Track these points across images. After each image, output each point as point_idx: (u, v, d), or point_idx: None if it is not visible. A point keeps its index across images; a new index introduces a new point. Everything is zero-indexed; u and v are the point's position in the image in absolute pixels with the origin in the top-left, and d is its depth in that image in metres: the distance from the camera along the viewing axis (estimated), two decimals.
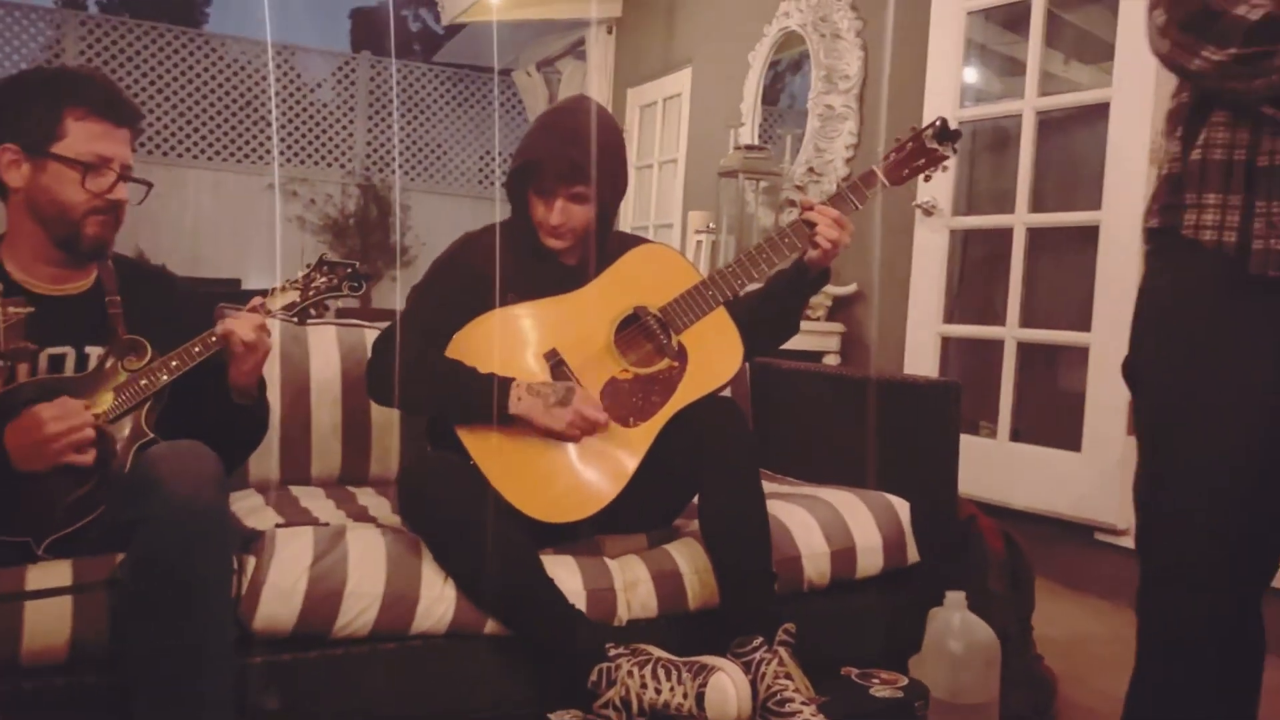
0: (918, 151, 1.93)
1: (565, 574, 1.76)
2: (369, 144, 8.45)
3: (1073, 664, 2.34)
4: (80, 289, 1.71)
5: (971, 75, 3.66)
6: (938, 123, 1.93)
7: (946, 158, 1.93)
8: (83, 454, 1.52)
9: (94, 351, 1.66)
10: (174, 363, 1.63)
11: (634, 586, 1.82)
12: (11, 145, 1.62)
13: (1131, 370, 1.45)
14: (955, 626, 1.88)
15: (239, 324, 1.63)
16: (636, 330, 1.94)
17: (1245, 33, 1.22)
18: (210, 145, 7.85)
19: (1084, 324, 3.03)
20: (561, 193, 1.90)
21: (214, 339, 1.64)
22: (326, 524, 1.76)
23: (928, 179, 1.97)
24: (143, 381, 1.63)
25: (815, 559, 1.96)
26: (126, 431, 1.62)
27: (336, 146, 8.33)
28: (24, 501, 1.53)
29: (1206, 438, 1.32)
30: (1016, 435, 3.25)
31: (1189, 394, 1.34)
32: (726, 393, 2.04)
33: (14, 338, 1.10)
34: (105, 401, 1.61)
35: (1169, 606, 1.38)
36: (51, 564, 1.50)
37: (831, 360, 3.83)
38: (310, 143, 8.25)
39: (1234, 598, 1.34)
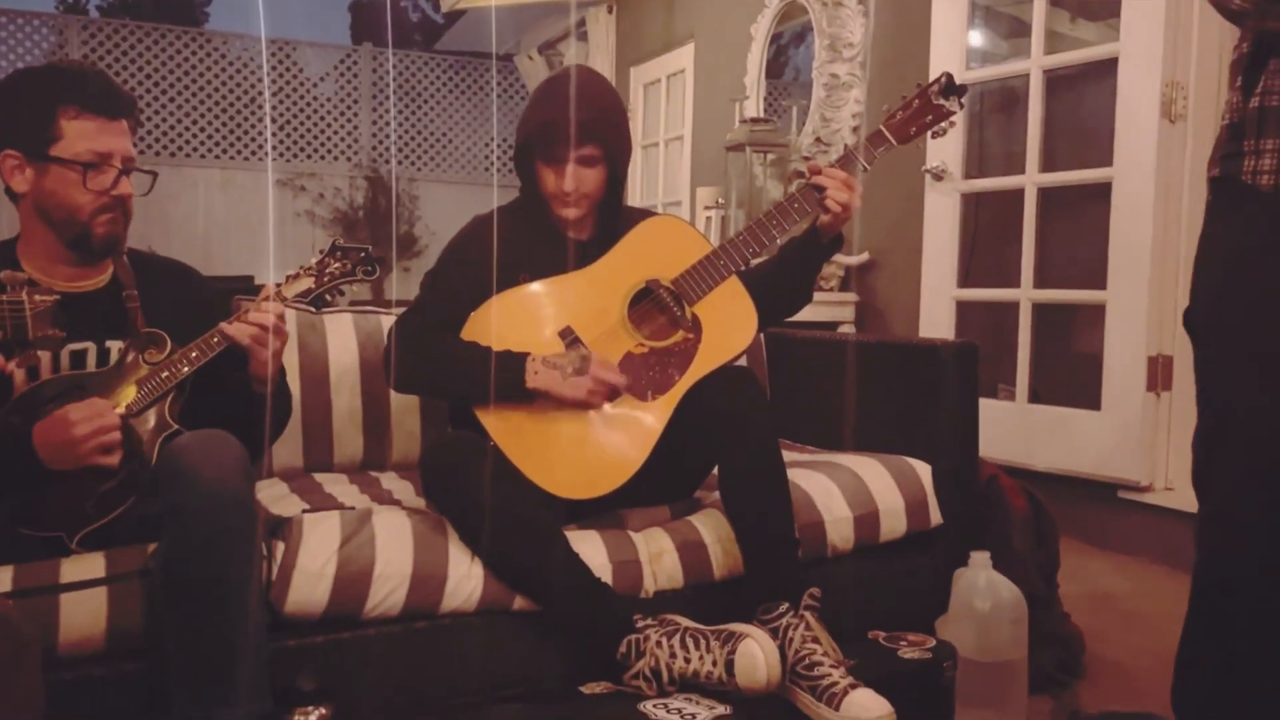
0: (925, 108, 1.92)
1: (590, 549, 1.77)
2: (374, 136, 8.46)
3: (1099, 621, 2.35)
4: (97, 285, 1.72)
5: (976, 38, 3.63)
6: (943, 78, 1.92)
7: (953, 113, 1.92)
8: (109, 455, 1.54)
9: (114, 346, 1.67)
10: (194, 354, 1.65)
11: (659, 558, 1.83)
12: (12, 151, 1.62)
13: (1191, 318, 1.45)
14: (981, 586, 1.88)
15: (236, 330, 1.63)
16: (650, 304, 1.94)
17: None
18: (217, 144, 7.87)
19: (1098, 282, 3.02)
20: (570, 157, 1.89)
21: (216, 340, 1.64)
22: (352, 508, 1.77)
23: (936, 136, 1.96)
24: (164, 374, 1.64)
25: (838, 524, 1.96)
26: (151, 424, 1.63)
27: (342, 139, 8.34)
28: (55, 498, 1.55)
29: (1267, 380, 1.33)
30: (1035, 397, 3.24)
31: (1249, 338, 1.35)
32: (742, 362, 2.04)
33: (42, 326, 1.11)
34: (129, 395, 1.63)
35: (1225, 544, 1.39)
36: (85, 557, 1.52)
37: (847, 330, 3.82)
38: (315, 137, 8.26)
39: None
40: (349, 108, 8.39)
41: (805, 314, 2.16)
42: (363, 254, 1.79)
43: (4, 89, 1.67)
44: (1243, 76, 1.37)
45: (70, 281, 1.68)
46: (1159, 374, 2.87)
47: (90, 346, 1.67)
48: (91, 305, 1.68)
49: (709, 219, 4.38)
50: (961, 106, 1.94)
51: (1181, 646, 1.46)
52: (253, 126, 8.00)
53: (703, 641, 1.63)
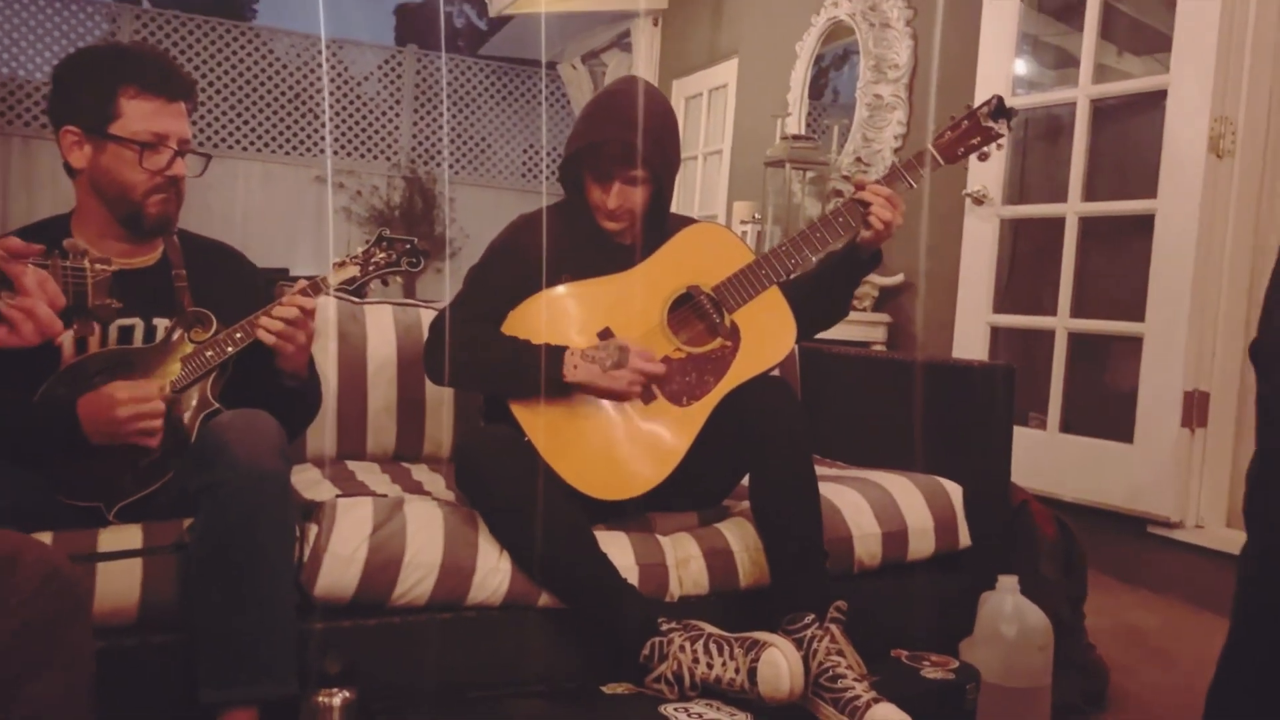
0: (974, 129, 1.92)
1: (617, 550, 1.77)
2: (414, 136, 8.52)
3: (1125, 655, 2.32)
4: (147, 263, 1.75)
5: (1022, 67, 3.62)
6: (994, 100, 1.92)
7: (1001, 135, 1.92)
8: (150, 438, 1.56)
9: (161, 323, 1.70)
10: (238, 334, 1.67)
11: (686, 563, 1.83)
12: (73, 127, 1.65)
13: (1258, 349, 1.43)
14: (1007, 610, 1.88)
15: (265, 323, 1.64)
16: (689, 309, 1.95)
17: None
18: (260, 137, 7.96)
19: (1135, 314, 2.99)
20: (618, 176, 1.91)
21: (239, 335, 1.65)
22: (384, 496, 1.78)
23: (982, 159, 1.96)
24: (208, 353, 1.66)
25: (866, 540, 1.96)
26: (194, 401, 1.66)
27: (383, 139, 8.41)
28: (95, 469, 1.57)
29: None
30: (1067, 426, 3.22)
31: None
32: (775, 374, 2.04)
33: (101, 294, 1.14)
34: (173, 372, 1.65)
35: (1272, 580, 1.37)
36: (122, 528, 1.55)
37: (878, 351, 3.81)
38: (357, 135, 8.34)
39: None
40: (391, 108, 8.46)
41: (837, 332, 2.16)
42: (408, 245, 1.82)
43: (68, 66, 1.70)
44: None
45: (121, 258, 1.70)
46: (1194, 410, 2.84)
47: (138, 322, 1.69)
48: (141, 282, 1.71)
49: (744, 233, 4.38)
50: (1010, 130, 1.94)
51: (1214, 685, 1.44)
52: (295, 122, 8.08)
53: (726, 648, 1.63)
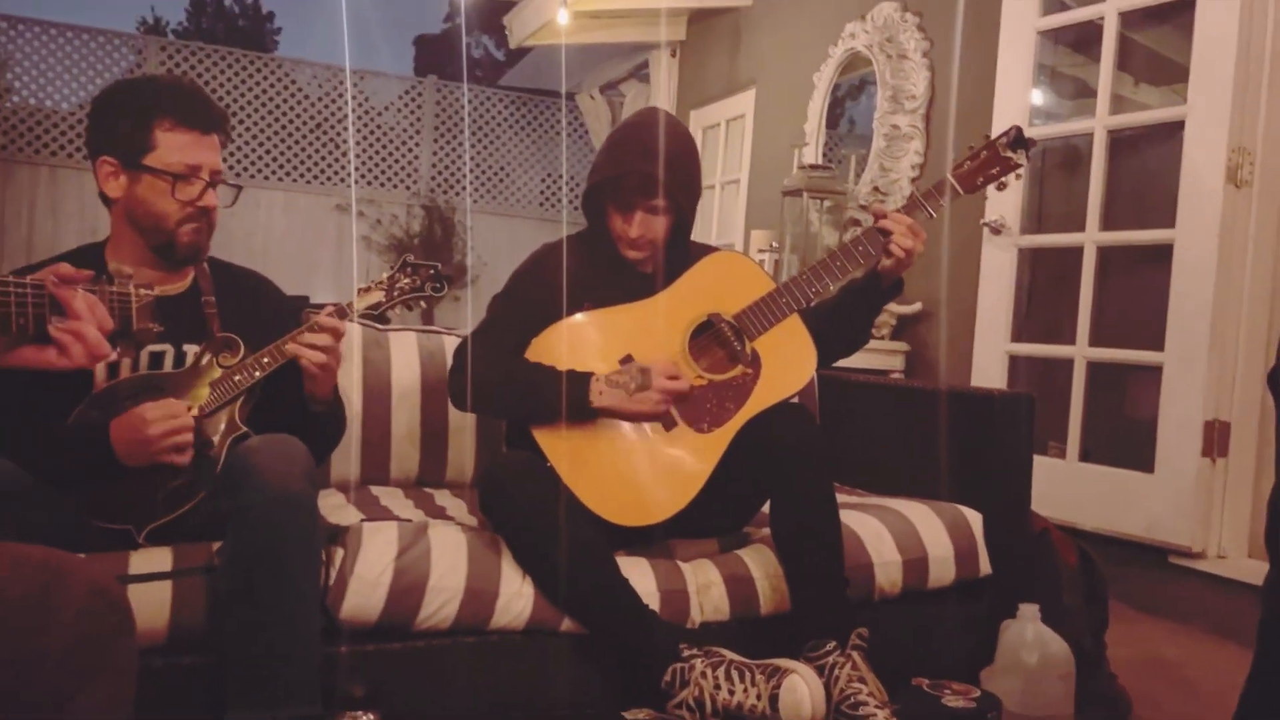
0: (992, 159, 1.94)
1: (639, 576, 1.78)
2: (434, 165, 8.62)
3: (1148, 686, 2.30)
4: (178, 290, 1.78)
5: (1039, 98, 3.65)
6: (1012, 131, 1.94)
7: (1020, 165, 1.94)
8: (182, 454, 1.59)
9: (191, 349, 1.73)
10: (265, 359, 1.70)
11: (707, 589, 1.83)
12: (109, 158, 1.69)
13: (1276, 377, 1.44)
14: (1029, 639, 1.87)
15: (292, 347, 1.68)
16: (710, 337, 1.96)
17: None
18: (281, 166, 8.07)
19: (1153, 343, 2.99)
20: (640, 206, 1.93)
21: (266, 360, 1.69)
22: (409, 520, 1.80)
23: (1000, 188, 1.98)
24: (237, 377, 1.69)
25: (887, 567, 1.96)
26: (223, 425, 1.68)
27: (403, 168, 8.51)
28: (126, 491, 1.60)
29: None
30: (1086, 456, 3.21)
31: None
32: (795, 401, 2.05)
33: (144, 318, 1.17)
34: (202, 396, 1.68)
35: None
36: (153, 550, 1.57)
37: (896, 379, 3.81)
38: (377, 164, 8.44)
39: None
40: (411, 137, 8.56)
41: (855, 361, 2.17)
42: (432, 270, 1.85)
43: (106, 98, 1.74)
44: None
45: (154, 285, 1.74)
46: (1215, 439, 2.84)
47: (168, 348, 1.72)
48: (172, 309, 1.73)
49: (762, 262, 4.41)
50: (1028, 160, 1.96)
51: (1238, 716, 1.43)
52: (316, 151, 8.18)
53: (748, 674, 1.63)
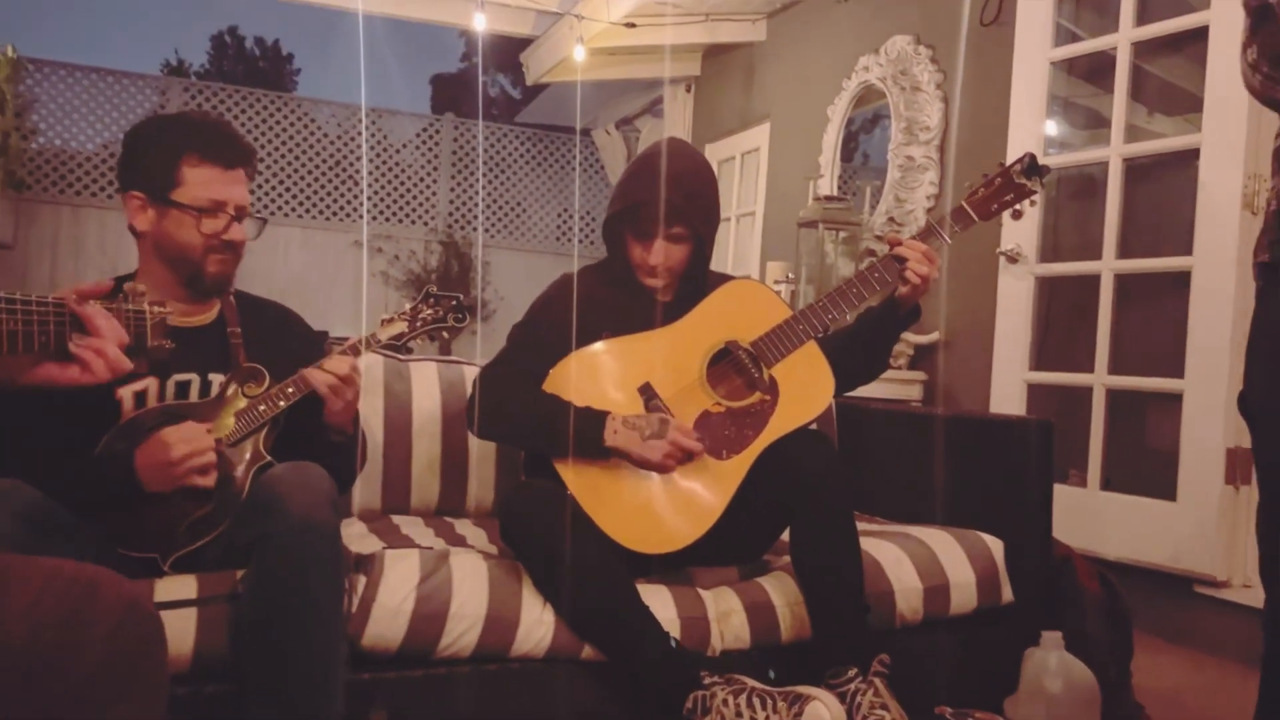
0: (1007, 186, 1.95)
1: (659, 603, 1.78)
2: (451, 202, 8.70)
3: (1173, 716, 2.28)
4: (205, 321, 1.81)
5: (1053, 128, 3.67)
6: (1026, 158, 1.96)
7: (1035, 192, 1.95)
8: (205, 476, 1.60)
9: (217, 379, 1.75)
10: (290, 389, 1.72)
11: (727, 617, 1.83)
12: (138, 193, 1.73)
13: (1245, 403, 1.44)
14: (1052, 666, 1.86)
15: (316, 376, 1.70)
16: (728, 364, 1.98)
17: None
18: (300, 204, 8.16)
19: (1172, 370, 2.99)
20: (658, 234, 1.96)
21: (290, 390, 1.70)
22: (430, 548, 1.81)
23: (1015, 216, 1.99)
24: (261, 407, 1.71)
25: (908, 594, 1.95)
26: (247, 455, 1.70)
27: (421, 205, 8.59)
28: (152, 520, 1.61)
29: None
30: (1107, 484, 3.19)
31: None
32: (814, 427, 2.06)
33: (158, 335, 1.20)
34: (227, 426, 1.70)
35: None
36: (178, 578, 1.58)
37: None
38: (395, 201, 8.53)
39: None
40: (429, 174, 8.65)
41: (873, 390, 2.18)
42: (454, 301, 1.87)
43: (136, 134, 1.78)
44: None
45: (180, 317, 1.76)
46: (1237, 467, 2.82)
47: (194, 378, 1.75)
48: (198, 339, 1.77)
49: (778, 293, 4.42)
50: (1043, 187, 1.98)
51: None
52: (335, 189, 8.28)
53: (769, 702, 1.62)
